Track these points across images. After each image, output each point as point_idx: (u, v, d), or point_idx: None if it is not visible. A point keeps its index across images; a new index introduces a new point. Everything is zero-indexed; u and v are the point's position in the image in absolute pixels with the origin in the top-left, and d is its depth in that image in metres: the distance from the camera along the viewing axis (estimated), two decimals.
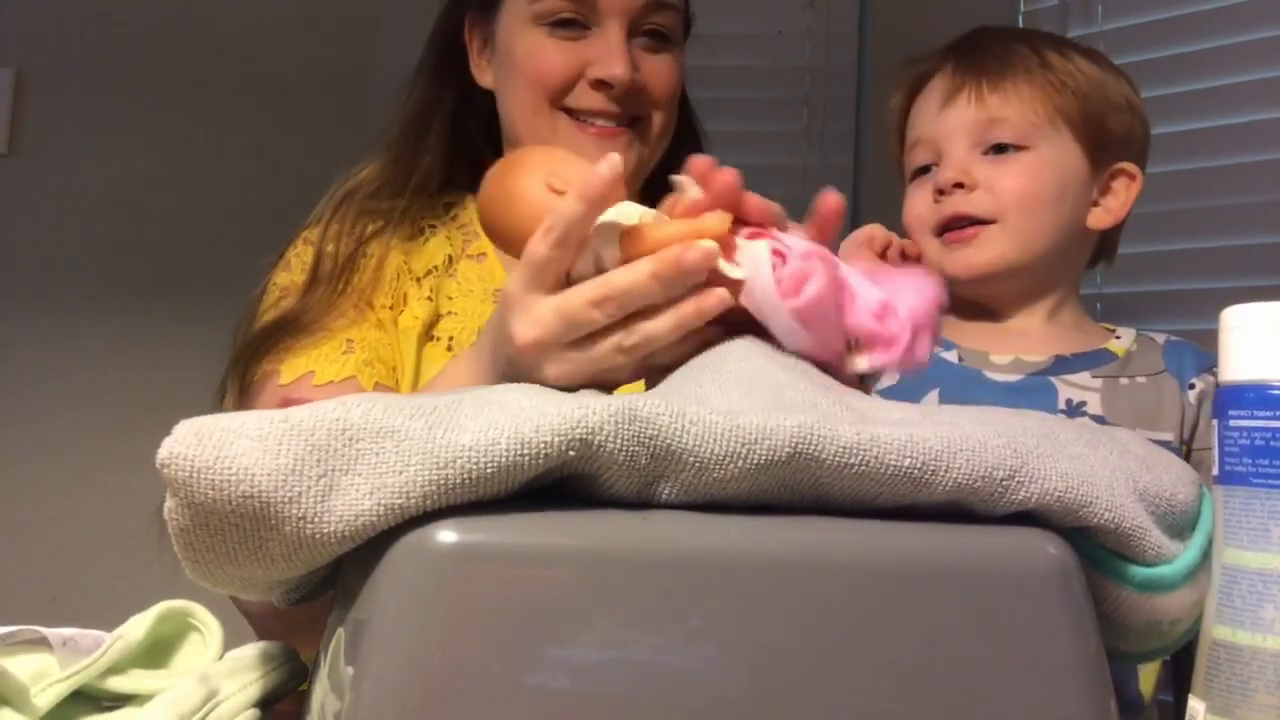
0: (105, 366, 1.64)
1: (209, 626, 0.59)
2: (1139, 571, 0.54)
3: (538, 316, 0.60)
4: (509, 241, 0.65)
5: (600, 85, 0.95)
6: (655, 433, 0.47)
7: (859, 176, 1.68)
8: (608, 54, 0.94)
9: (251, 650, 0.58)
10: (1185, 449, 0.96)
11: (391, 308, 0.98)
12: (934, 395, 0.97)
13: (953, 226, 0.99)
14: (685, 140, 1.10)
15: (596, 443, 0.47)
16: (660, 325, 0.58)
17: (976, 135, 0.98)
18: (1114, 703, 0.51)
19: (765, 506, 0.50)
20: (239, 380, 0.95)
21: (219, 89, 1.71)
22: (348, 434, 0.46)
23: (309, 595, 0.53)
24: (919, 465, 0.49)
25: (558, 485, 0.49)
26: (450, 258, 1.02)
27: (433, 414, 0.47)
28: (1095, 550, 0.53)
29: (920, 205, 1.01)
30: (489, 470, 0.46)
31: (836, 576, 0.48)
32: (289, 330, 0.94)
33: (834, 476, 0.49)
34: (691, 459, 0.48)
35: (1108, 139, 0.99)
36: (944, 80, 1.01)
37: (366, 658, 0.45)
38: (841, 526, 0.49)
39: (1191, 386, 0.97)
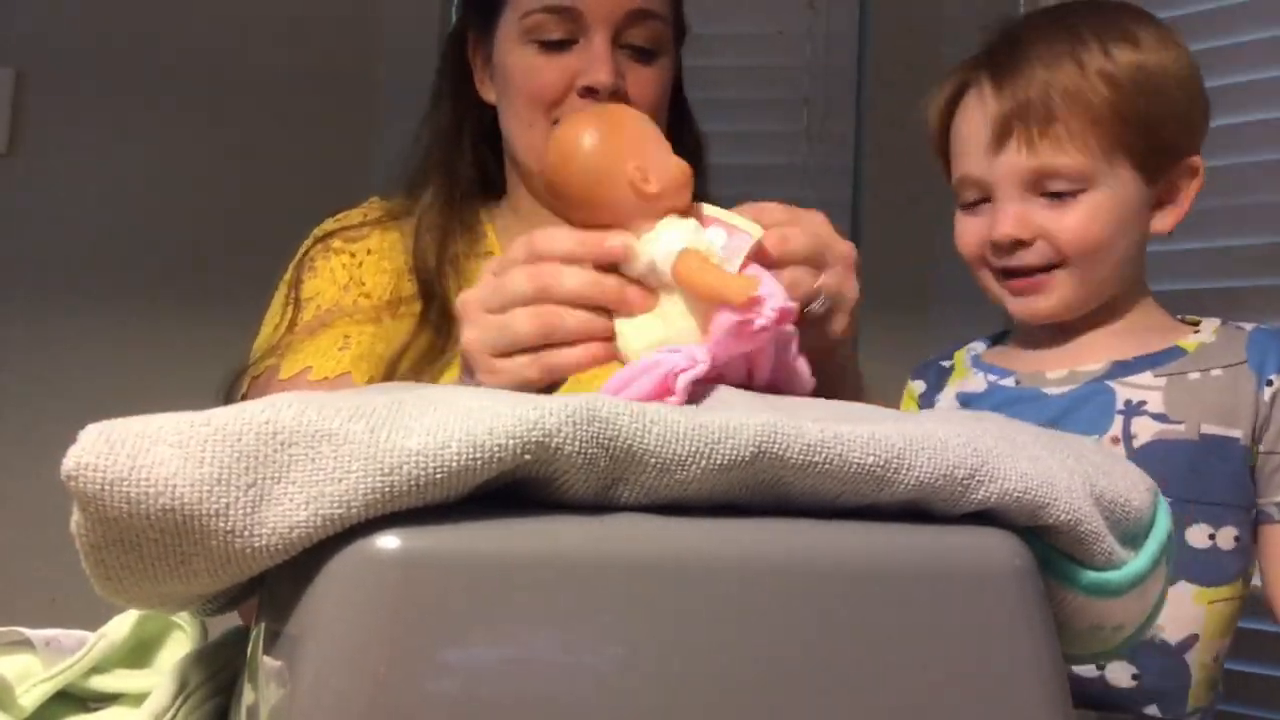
0: (105, 366, 1.63)
1: (190, 624, 0.59)
2: (1087, 575, 0.54)
3: (480, 280, 0.66)
4: (565, 204, 0.65)
5: (587, 93, 0.98)
6: (615, 433, 0.45)
7: (859, 176, 1.68)
8: (592, 62, 0.97)
9: (220, 638, 0.57)
10: (1254, 449, 0.91)
11: (390, 301, 1.00)
12: None
13: (1015, 274, 0.95)
14: (683, 147, 1.11)
15: (554, 445, 0.44)
16: (572, 314, 0.62)
17: (1029, 182, 0.93)
18: (1070, 701, 0.50)
19: (725, 507, 0.48)
20: (250, 379, 0.97)
21: (219, 89, 1.71)
22: (279, 438, 0.42)
23: (230, 604, 0.49)
24: (882, 463, 0.48)
25: (508, 488, 0.46)
26: (457, 257, 1.04)
27: (373, 415, 0.43)
28: (1045, 551, 0.53)
29: (974, 241, 0.97)
30: (438, 476, 0.42)
31: (801, 578, 0.46)
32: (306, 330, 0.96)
33: (798, 475, 0.48)
34: (653, 460, 0.46)
35: (1164, 151, 0.94)
36: (984, 107, 0.95)
37: (305, 673, 0.41)
38: (804, 528, 0.48)
39: (1269, 383, 0.91)
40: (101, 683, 0.55)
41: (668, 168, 0.62)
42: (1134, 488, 0.56)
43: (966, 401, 1.00)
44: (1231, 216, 1.41)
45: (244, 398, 0.95)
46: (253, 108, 1.71)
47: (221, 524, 0.42)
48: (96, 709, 0.56)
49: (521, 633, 0.42)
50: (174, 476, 0.41)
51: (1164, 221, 0.96)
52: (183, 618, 0.59)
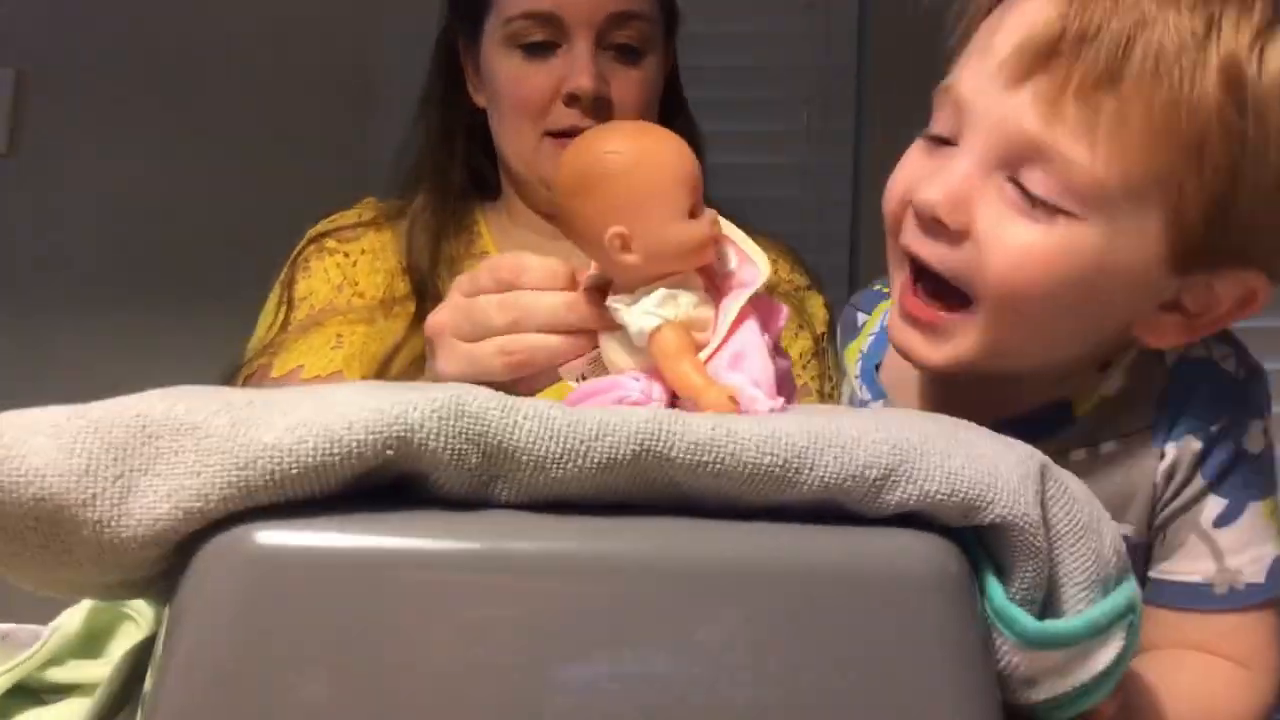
0: (104, 365, 1.63)
1: (142, 614, 0.59)
2: (998, 598, 0.47)
3: (449, 303, 0.64)
4: (573, 231, 0.59)
5: (571, 100, 0.98)
6: (484, 429, 0.44)
7: (859, 176, 1.67)
8: (575, 68, 0.97)
9: None
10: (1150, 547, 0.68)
11: (383, 300, 1.00)
12: None
13: (916, 276, 0.64)
14: None
15: (417, 441, 0.43)
16: (546, 342, 0.60)
17: (1017, 154, 0.59)
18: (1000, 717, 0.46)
19: (624, 506, 0.45)
20: (243, 378, 0.97)
21: (219, 89, 1.71)
22: (147, 431, 0.43)
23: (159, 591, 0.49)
24: (780, 463, 0.45)
25: (399, 484, 0.45)
26: (452, 257, 1.05)
27: (244, 409, 0.43)
28: (978, 557, 0.48)
29: (909, 179, 0.64)
30: (294, 471, 0.42)
31: (681, 579, 0.44)
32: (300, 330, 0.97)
33: (688, 475, 0.45)
34: (526, 458, 0.44)
35: (1230, 244, 0.59)
36: (1036, 22, 0.59)
37: (167, 664, 0.42)
38: (689, 526, 0.45)
39: (1162, 456, 0.66)
40: (57, 675, 0.56)
41: (666, 236, 0.55)
42: (1111, 544, 0.50)
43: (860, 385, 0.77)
44: None
45: None
46: (252, 108, 1.71)
47: (90, 514, 0.42)
48: (51, 701, 0.56)
49: (368, 628, 0.42)
50: (45, 467, 0.42)
51: (1162, 332, 0.64)
52: (135, 607, 0.59)
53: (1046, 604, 0.49)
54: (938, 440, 0.48)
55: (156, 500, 0.42)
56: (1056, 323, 0.62)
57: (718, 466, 0.45)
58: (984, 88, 0.61)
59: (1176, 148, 0.56)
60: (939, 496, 0.46)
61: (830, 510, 0.47)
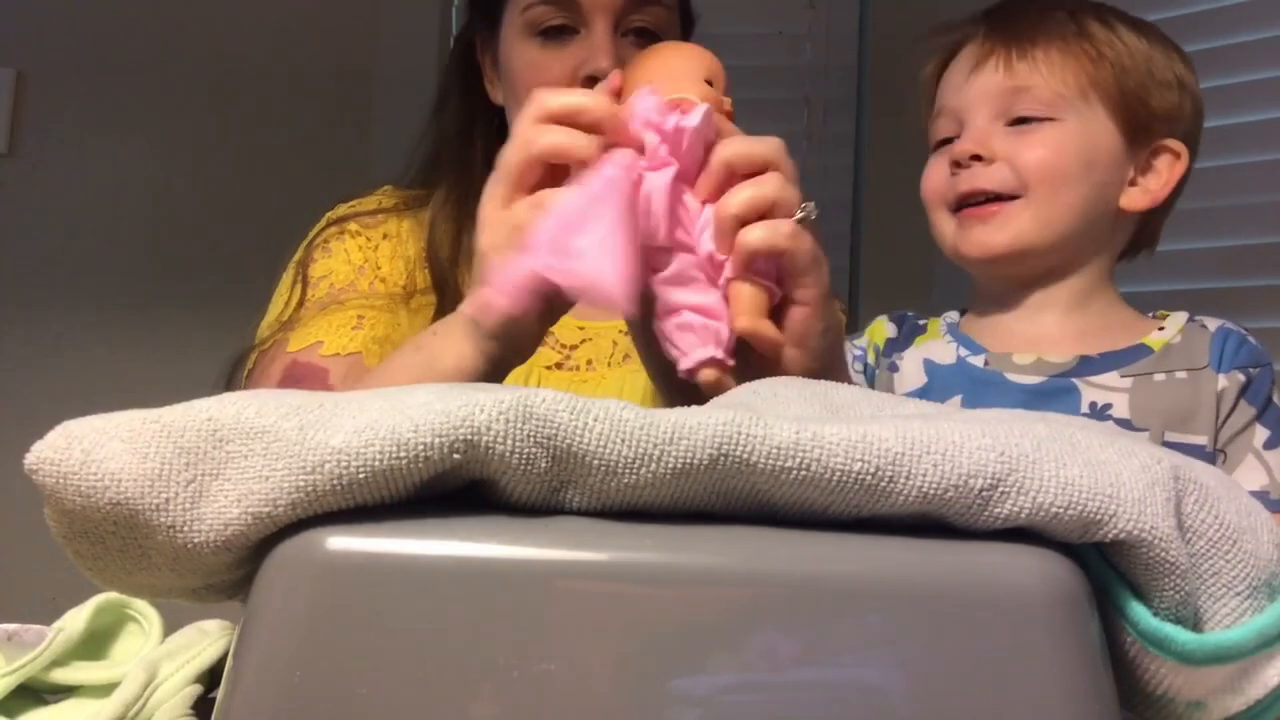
0: (105, 366, 1.64)
1: (146, 616, 0.60)
2: (1145, 618, 0.44)
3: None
4: None
5: (590, 82, 0.95)
6: (553, 432, 0.42)
7: (859, 176, 1.67)
8: (593, 51, 0.96)
9: (189, 630, 0.58)
10: (1217, 452, 0.86)
11: (405, 289, 1.00)
12: (956, 402, 0.90)
13: (970, 202, 0.91)
14: None
15: (484, 444, 0.41)
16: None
17: (1000, 104, 0.91)
18: None
19: (704, 515, 0.43)
20: (258, 353, 0.96)
21: (219, 89, 1.71)
22: (218, 435, 0.42)
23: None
24: (872, 470, 0.42)
25: (478, 489, 0.44)
26: (471, 251, 1.05)
27: (315, 411, 0.43)
28: (1106, 577, 0.45)
29: (937, 178, 0.94)
30: (361, 475, 0.41)
31: (755, 594, 0.41)
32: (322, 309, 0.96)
33: (771, 483, 0.42)
34: (596, 462, 0.42)
35: (1147, 116, 0.91)
36: (974, 47, 0.94)
37: (237, 671, 0.42)
38: (765, 537, 0.43)
39: (1220, 382, 0.87)
40: (60, 675, 0.56)
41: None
42: (1266, 539, 0.45)
43: (933, 372, 0.95)
44: (1231, 216, 1.40)
45: (249, 374, 0.96)
46: (252, 108, 1.71)
47: (163, 518, 0.42)
48: (53, 702, 0.56)
49: (435, 636, 0.41)
50: (120, 471, 0.42)
51: (1136, 199, 0.92)
52: (138, 609, 0.59)
53: (1199, 618, 0.45)
54: (1051, 446, 0.44)
55: (227, 505, 0.42)
56: (1076, 187, 0.89)
57: (803, 473, 0.42)
58: (961, 88, 0.93)
59: (1084, 58, 0.90)
60: (1054, 509, 0.43)
61: (932, 524, 0.44)
